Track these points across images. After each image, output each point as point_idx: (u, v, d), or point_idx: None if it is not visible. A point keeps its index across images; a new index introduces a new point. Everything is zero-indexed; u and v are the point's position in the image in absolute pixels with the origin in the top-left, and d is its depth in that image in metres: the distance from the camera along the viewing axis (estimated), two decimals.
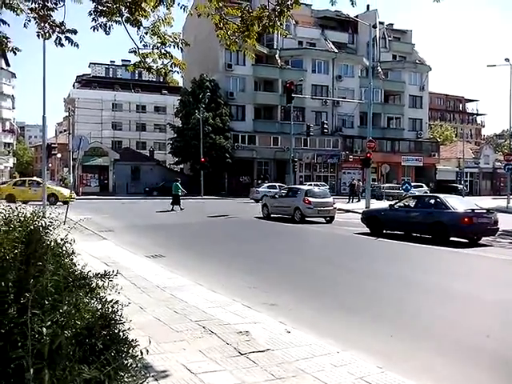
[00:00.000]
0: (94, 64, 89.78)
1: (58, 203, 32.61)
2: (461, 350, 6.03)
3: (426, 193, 42.83)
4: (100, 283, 3.75)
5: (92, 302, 3.47)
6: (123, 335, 3.25)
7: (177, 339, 5.70)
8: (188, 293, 8.12)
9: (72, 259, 4.33)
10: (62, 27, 6.50)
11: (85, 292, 3.58)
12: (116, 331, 3.23)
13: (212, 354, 5.21)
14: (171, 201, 30.23)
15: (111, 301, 3.47)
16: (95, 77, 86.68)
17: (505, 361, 5.70)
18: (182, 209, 29.68)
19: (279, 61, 58.36)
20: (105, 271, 3.91)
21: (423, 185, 53.42)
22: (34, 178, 37.39)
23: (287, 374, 4.79)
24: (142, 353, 3.19)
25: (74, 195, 35.56)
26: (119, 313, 3.38)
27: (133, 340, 3.25)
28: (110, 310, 3.36)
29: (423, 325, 7.17)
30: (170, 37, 6.76)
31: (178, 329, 6.09)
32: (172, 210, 29.44)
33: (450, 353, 5.94)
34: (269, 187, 41.15)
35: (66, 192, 34.89)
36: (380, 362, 5.20)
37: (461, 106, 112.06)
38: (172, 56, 6.89)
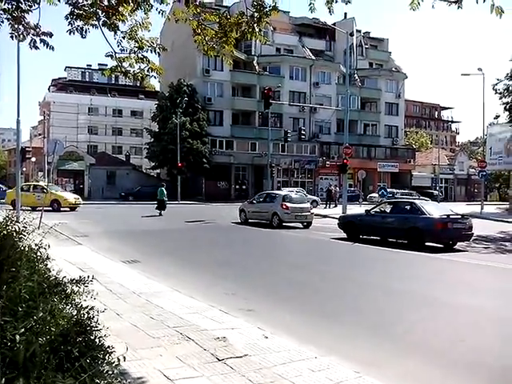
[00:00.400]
0: (70, 68, 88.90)
1: (64, 209, 31.27)
2: (437, 355, 6.09)
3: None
4: (75, 289, 3.71)
5: (67, 308, 3.43)
6: (99, 342, 3.21)
7: (154, 345, 5.65)
8: (164, 299, 8.06)
9: (47, 265, 4.28)
10: (37, 29, 6.41)
11: (60, 298, 3.54)
12: (92, 338, 3.19)
13: (189, 360, 5.17)
14: (156, 206, 30.67)
15: (87, 307, 3.43)
16: (71, 80, 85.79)
17: (479, 364, 5.77)
18: (160, 214, 29.78)
19: (257, 67, 58.54)
20: (80, 277, 3.87)
21: (412, 192, 53.91)
22: (40, 183, 34.99)
23: (265, 379, 4.77)
24: (118, 359, 3.16)
25: (79, 200, 33.58)
26: (95, 319, 3.34)
27: (109, 346, 3.22)
28: (86, 316, 3.32)
29: (400, 330, 7.23)
30: (148, 41, 6.73)
31: (154, 335, 6.03)
32: (160, 214, 29.80)
33: (426, 358, 5.99)
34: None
35: (70, 197, 33.02)
36: (357, 367, 5.22)
37: (436, 113, 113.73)
38: (149, 61, 6.85)
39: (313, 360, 5.38)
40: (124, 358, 3.21)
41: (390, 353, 6.17)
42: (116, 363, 3.14)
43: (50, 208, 29.88)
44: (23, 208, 28.79)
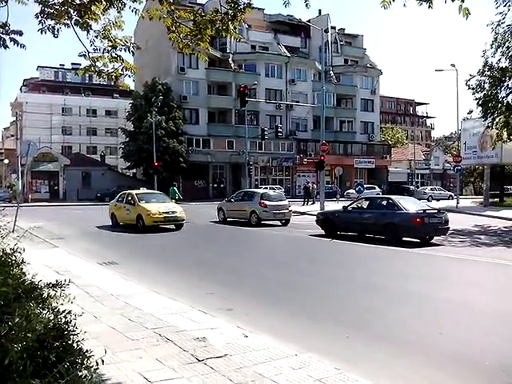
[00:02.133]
0: (43, 67, 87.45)
1: (166, 227, 21.81)
2: (416, 349, 6.15)
3: (379, 194, 43.87)
4: (52, 293, 3.64)
5: (44, 312, 3.37)
6: (77, 346, 3.17)
7: (133, 348, 5.59)
8: (143, 300, 7.98)
9: (22, 269, 4.20)
10: (6, 28, 6.28)
11: (36, 303, 3.47)
12: (69, 342, 3.14)
13: (169, 362, 5.12)
14: None
15: (64, 311, 3.38)
16: (44, 80, 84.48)
17: (458, 358, 5.83)
18: None
19: (232, 65, 58.43)
20: (57, 280, 3.80)
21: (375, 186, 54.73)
22: (135, 191, 24.15)
23: (246, 378, 4.76)
24: (97, 363, 3.12)
25: (176, 213, 21.66)
26: (72, 323, 3.29)
27: (87, 350, 3.17)
28: (63, 320, 3.26)
29: (380, 326, 7.27)
30: (121, 40, 6.66)
31: (133, 337, 5.97)
32: None
33: (406, 353, 6.04)
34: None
35: (155, 209, 21.36)
36: (338, 363, 5.23)
37: (411, 109, 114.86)
38: (123, 60, 6.78)
39: (293, 358, 5.38)
40: (102, 361, 3.16)
41: (371, 349, 6.20)
42: (95, 367, 3.09)
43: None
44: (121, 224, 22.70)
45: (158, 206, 21.72)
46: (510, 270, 12.30)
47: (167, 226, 21.90)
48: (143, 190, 25.30)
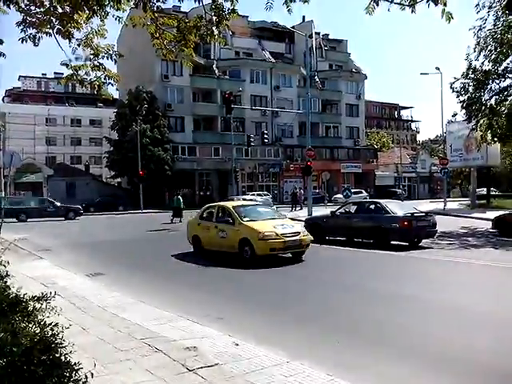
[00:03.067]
0: (24, 77, 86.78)
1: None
2: (408, 354, 6.12)
3: (366, 198, 44.05)
4: (38, 306, 3.58)
5: (30, 326, 3.30)
6: (65, 359, 3.10)
7: (122, 359, 5.51)
8: (131, 311, 7.89)
9: (6, 282, 4.12)
10: None
11: (22, 316, 3.40)
12: (57, 355, 3.08)
13: (160, 373, 5.05)
14: (172, 213, 32.76)
15: (50, 323, 3.31)
16: (26, 90, 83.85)
17: (451, 361, 5.81)
18: (181, 221, 30.58)
19: (217, 71, 58.41)
20: (42, 293, 3.73)
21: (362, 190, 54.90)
22: (231, 203, 17.89)
23: None
24: (86, 376, 3.05)
25: (302, 236, 14.59)
26: (60, 335, 3.22)
27: (75, 363, 3.11)
28: (50, 333, 3.20)
29: (371, 331, 7.24)
30: (104, 48, 6.60)
31: (122, 348, 5.89)
32: (172, 222, 31.45)
33: (398, 357, 6.01)
34: None
35: (267, 228, 14.20)
36: (330, 370, 5.19)
37: (396, 113, 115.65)
38: (105, 68, 6.71)
39: (284, 365, 5.34)
40: (92, 374, 3.10)
41: (362, 354, 6.17)
42: (83, 380, 3.03)
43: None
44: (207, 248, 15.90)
45: (271, 223, 14.74)
46: (499, 270, 12.35)
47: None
48: (241, 202, 18.78)
